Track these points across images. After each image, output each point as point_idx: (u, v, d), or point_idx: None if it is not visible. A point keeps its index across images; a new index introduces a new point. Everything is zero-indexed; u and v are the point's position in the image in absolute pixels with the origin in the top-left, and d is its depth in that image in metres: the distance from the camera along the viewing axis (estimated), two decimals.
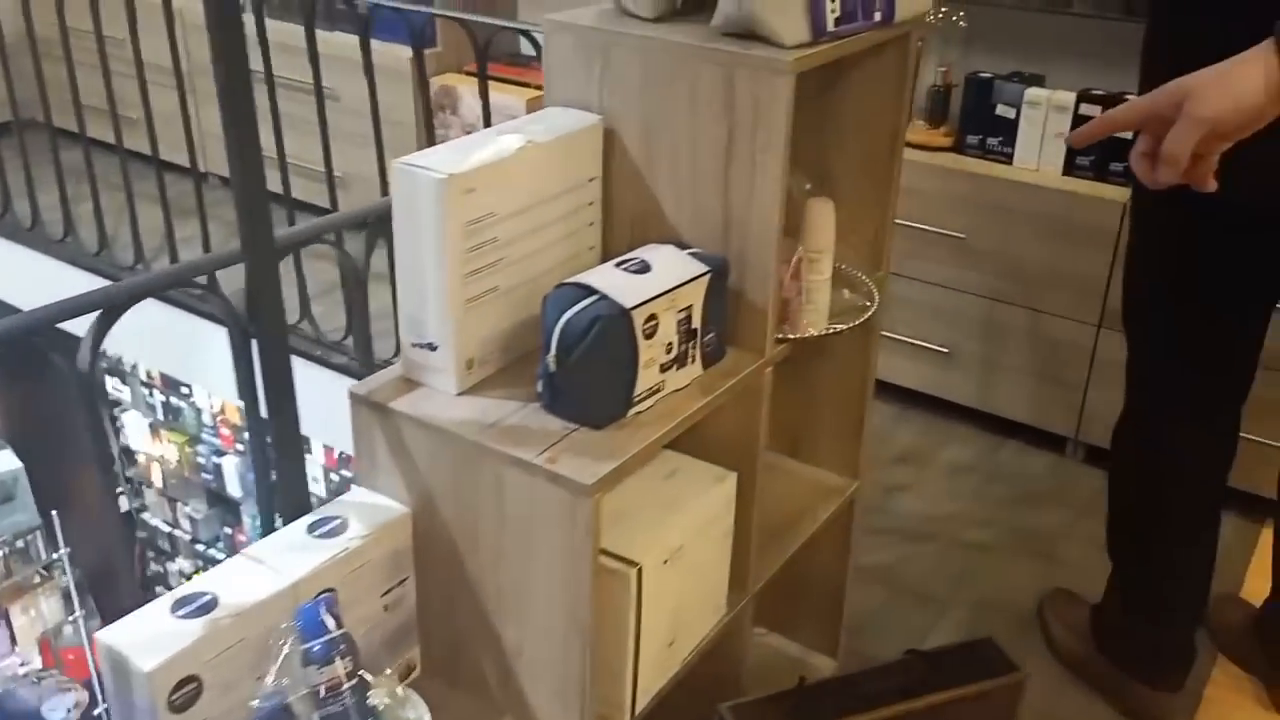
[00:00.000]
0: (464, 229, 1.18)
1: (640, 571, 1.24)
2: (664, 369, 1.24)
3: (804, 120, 1.50)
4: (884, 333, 2.70)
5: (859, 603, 2.00)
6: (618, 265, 1.23)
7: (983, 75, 2.59)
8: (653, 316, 1.19)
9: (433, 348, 1.23)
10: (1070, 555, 2.28)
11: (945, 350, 2.66)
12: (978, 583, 2.22)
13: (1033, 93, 2.51)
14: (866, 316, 1.50)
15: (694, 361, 1.29)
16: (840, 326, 1.47)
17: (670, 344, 1.23)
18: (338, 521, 1.23)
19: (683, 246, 1.31)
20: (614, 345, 1.17)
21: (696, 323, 1.27)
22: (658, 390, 1.24)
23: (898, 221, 2.74)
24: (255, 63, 1.74)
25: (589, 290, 1.17)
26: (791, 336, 1.41)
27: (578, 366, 1.16)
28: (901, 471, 2.55)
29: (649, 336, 1.19)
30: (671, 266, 1.24)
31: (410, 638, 1.33)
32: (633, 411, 1.21)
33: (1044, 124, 2.49)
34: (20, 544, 3.90)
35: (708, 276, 1.26)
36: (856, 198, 1.60)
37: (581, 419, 1.20)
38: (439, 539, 1.27)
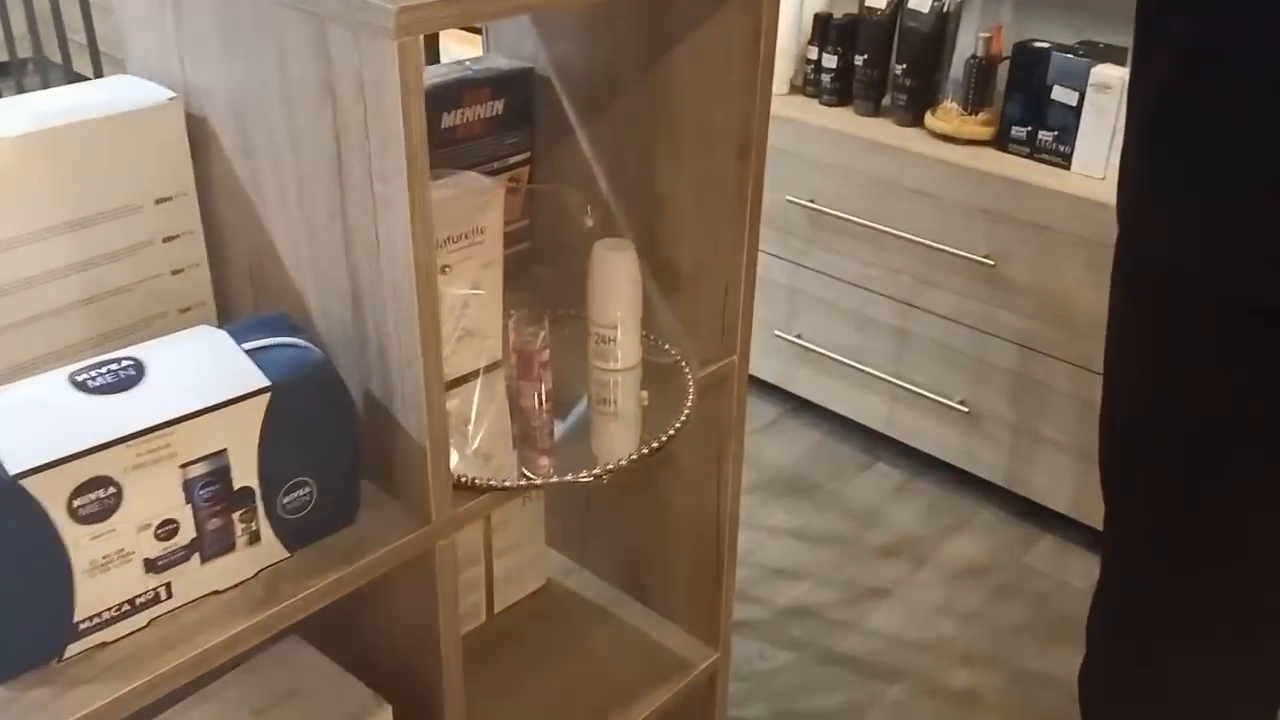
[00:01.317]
0: None
1: None
2: (163, 565, 0.69)
3: (623, 121, 0.93)
4: (890, 378, 2.07)
5: None
6: (80, 373, 0.68)
7: (1038, 44, 1.90)
8: (102, 482, 0.64)
9: None
10: None
11: (965, 409, 2.01)
12: None
13: (1102, 72, 1.81)
14: (664, 440, 0.91)
15: (256, 542, 0.73)
16: (614, 463, 0.88)
17: (168, 522, 0.68)
18: None
19: (291, 325, 0.75)
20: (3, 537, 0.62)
21: (246, 477, 0.71)
22: (151, 602, 0.70)
23: (906, 237, 2.09)
24: None
25: None
26: (522, 482, 0.84)
27: None
28: (886, 569, 1.92)
29: (93, 518, 0.64)
30: (188, 374, 0.68)
31: None
32: (74, 651, 0.67)
33: (1116, 116, 1.80)
34: None
35: (263, 397, 0.70)
36: (696, 241, 1.01)
37: None
38: None
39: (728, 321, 1.02)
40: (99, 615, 0.67)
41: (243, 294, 0.87)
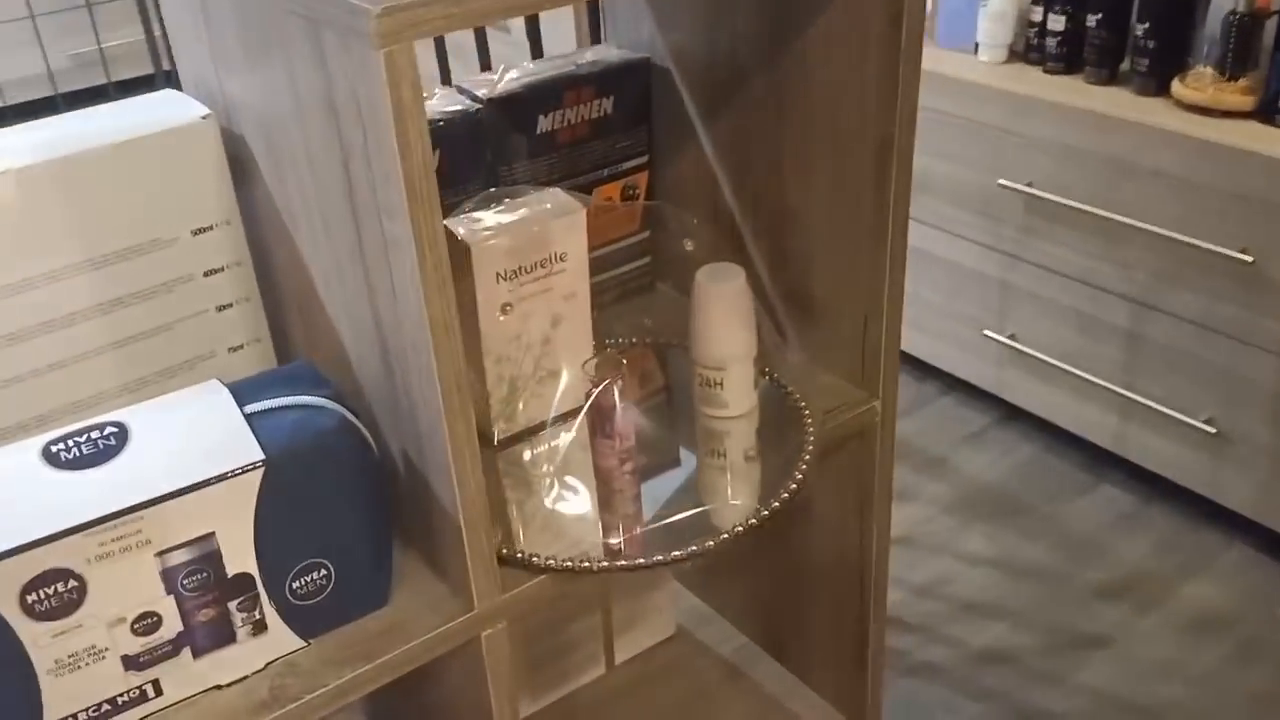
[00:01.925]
0: None
1: None
2: (145, 662, 0.60)
3: (747, 120, 0.80)
4: (1120, 389, 1.79)
5: None
6: (56, 442, 0.59)
7: None
8: (60, 575, 0.56)
9: None
10: None
11: (1211, 429, 1.71)
12: None
13: None
14: (755, 523, 0.75)
15: (262, 632, 0.64)
16: (685, 551, 0.72)
17: (147, 616, 0.59)
18: None
19: (314, 379, 0.65)
20: None
21: (242, 562, 0.61)
22: (136, 701, 0.61)
23: (1143, 227, 1.73)
24: None
25: None
26: (586, 564, 0.70)
27: None
28: (1104, 613, 1.66)
29: (52, 614, 0.56)
30: (172, 445, 0.59)
31: None
32: None
33: None
34: None
35: (254, 473, 0.59)
36: (830, 263, 0.84)
37: None
38: None
39: (868, 359, 0.84)
40: (73, 717, 0.59)
41: (298, 331, 0.78)
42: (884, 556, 0.93)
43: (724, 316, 0.78)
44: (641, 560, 0.71)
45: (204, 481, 0.58)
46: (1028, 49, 1.87)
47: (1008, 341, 1.94)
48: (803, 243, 0.85)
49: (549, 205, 0.77)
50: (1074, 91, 1.77)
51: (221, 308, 0.75)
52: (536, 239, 0.75)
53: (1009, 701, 1.53)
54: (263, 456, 0.59)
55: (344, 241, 0.64)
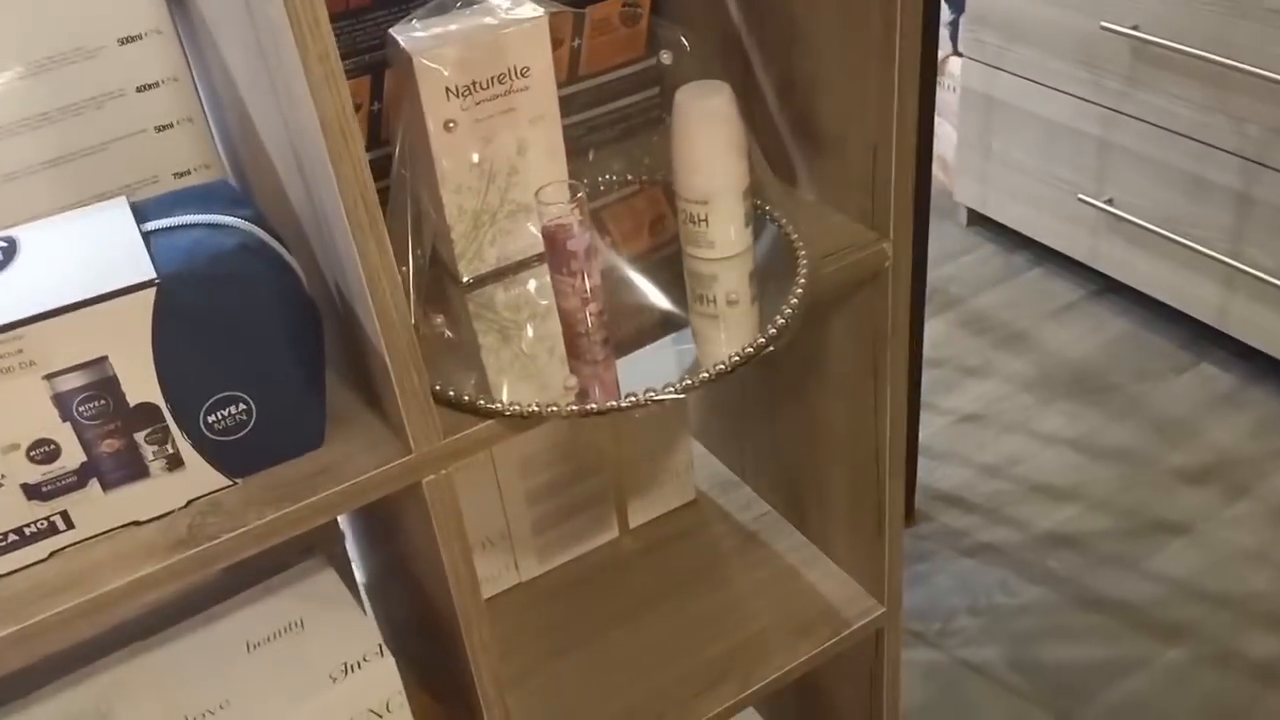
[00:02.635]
0: None
1: None
2: (49, 492, 0.57)
3: None
4: (1227, 259, 1.63)
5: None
6: None
7: None
8: None
9: None
10: None
11: None
12: None
13: None
14: (730, 367, 0.67)
15: (178, 468, 0.60)
16: (661, 394, 0.66)
17: (43, 443, 0.56)
18: None
19: (232, 198, 0.60)
20: None
21: (144, 391, 0.57)
22: (46, 532, 0.58)
23: (1262, 74, 1.48)
24: None
25: None
26: (535, 407, 0.64)
27: None
28: (1188, 498, 1.54)
29: None
30: (62, 262, 0.54)
31: None
32: None
33: None
34: None
35: (145, 293, 0.55)
36: (838, 85, 0.74)
37: None
38: None
39: (878, 196, 0.75)
40: None
41: (246, 154, 0.73)
42: (899, 418, 0.84)
43: (706, 140, 0.69)
44: (593, 406, 0.65)
45: (86, 300, 0.53)
46: None
47: (1105, 207, 1.79)
48: (810, 64, 0.75)
49: (509, 13, 0.69)
50: None
51: (161, 128, 0.70)
52: (490, 49, 0.67)
53: (1073, 586, 1.44)
54: (153, 275, 0.54)
55: (249, 40, 0.58)
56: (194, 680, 0.73)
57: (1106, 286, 1.91)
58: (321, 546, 0.82)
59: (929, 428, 1.70)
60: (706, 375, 0.66)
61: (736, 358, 0.67)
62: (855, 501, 0.92)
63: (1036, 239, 1.96)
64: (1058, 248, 1.92)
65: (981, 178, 2.01)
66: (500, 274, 0.77)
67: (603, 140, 0.89)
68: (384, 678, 0.74)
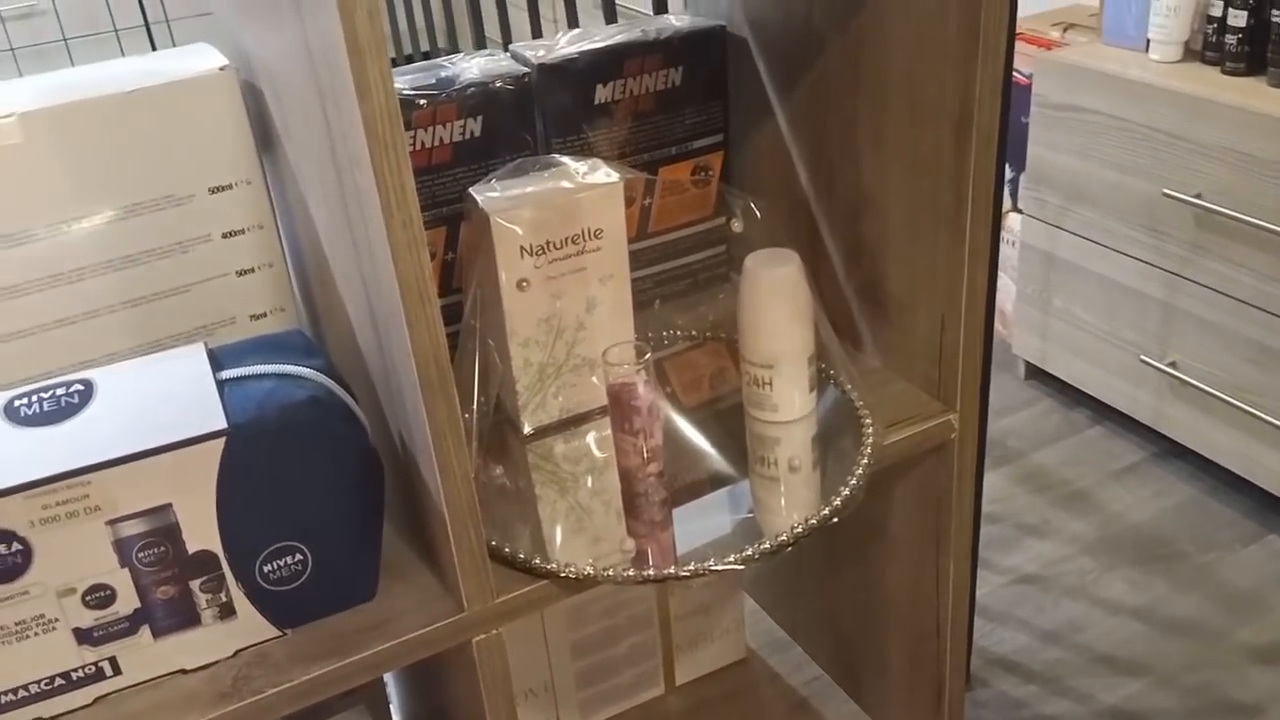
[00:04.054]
0: None
1: None
2: (100, 638, 0.57)
3: (823, 92, 0.72)
4: None
5: None
6: (20, 397, 0.57)
7: None
8: (3, 537, 0.53)
9: None
10: None
11: None
12: None
13: None
14: (791, 539, 0.66)
15: (230, 617, 0.59)
16: (720, 564, 0.64)
17: (100, 588, 0.56)
18: None
19: (305, 348, 0.61)
20: None
21: (204, 539, 0.57)
22: (93, 678, 0.57)
23: None
24: None
25: None
26: (587, 570, 0.63)
27: None
28: (1260, 679, 1.47)
29: None
30: (135, 408, 0.55)
31: None
32: None
33: None
34: None
35: (215, 443, 0.55)
36: (906, 255, 0.74)
37: None
38: None
39: (945, 367, 0.74)
40: (24, 688, 0.56)
41: (321, 301, 0.74)
42: (962, 590, 0.82)
43: (774, 307, 0.70)
44: (650, 573, 0.64)
45: (156, 449, 0.54)
46: (1205, 47, 1.69)
47: (1168, 370, 1.76)
48: (878, 231, 0.76)
49: (585, 177, 0.70)
50: (1255, 94, 1.58)
51: (242, 272, 0.72)
52: (566, 211, 0.69)
53: None
54: (224, 425, 0.55)
55: (333, 197, 0.60)
56: None
57: (1169, 449, 1.87)
58: (362, 688, 0.81)
59: (985, 586, 1.65)
60: (768, 547, 0.65)
61: (799, 529, 0.66)
62: (913, 672, 0.89)
63: (1097, 397, 1.93)
64: (1119, 407, 1.89)
65: (1041, 333, 2.00)
66: (562, 425, 0.77)
67: (669, 294, 0.90)
68: None
